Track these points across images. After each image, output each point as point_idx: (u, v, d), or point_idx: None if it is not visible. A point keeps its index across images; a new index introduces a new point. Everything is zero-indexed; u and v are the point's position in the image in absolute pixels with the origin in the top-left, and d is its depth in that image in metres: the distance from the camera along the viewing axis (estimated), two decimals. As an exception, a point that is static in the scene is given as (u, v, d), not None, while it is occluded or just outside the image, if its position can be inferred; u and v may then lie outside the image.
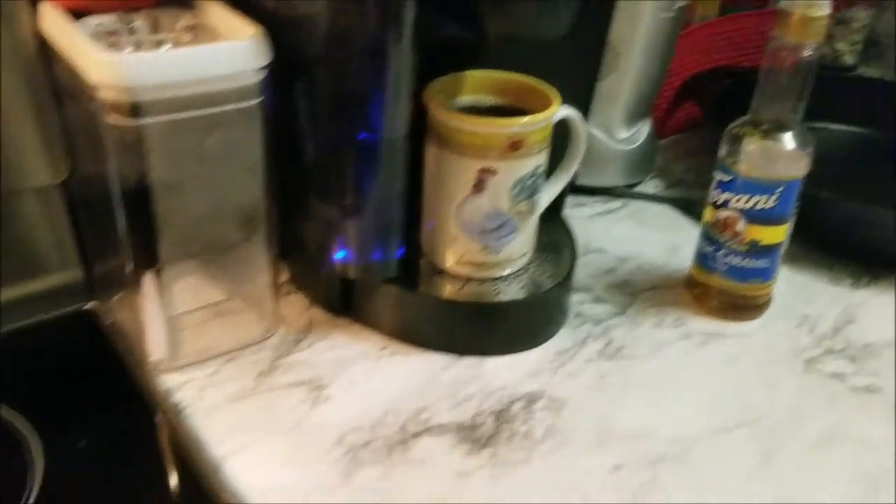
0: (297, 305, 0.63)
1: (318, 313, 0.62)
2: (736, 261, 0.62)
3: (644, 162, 0.82)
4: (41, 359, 0.59)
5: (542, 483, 0.50)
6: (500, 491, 0.49)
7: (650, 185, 0.83)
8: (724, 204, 0.61)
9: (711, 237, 0.63)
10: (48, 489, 0.47)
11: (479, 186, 0.55)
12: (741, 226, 0.61)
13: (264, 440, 0.52)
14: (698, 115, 0.90)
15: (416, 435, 0.52)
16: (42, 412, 0.52)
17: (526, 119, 0.54)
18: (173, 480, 0.53)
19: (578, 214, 0.75)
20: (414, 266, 0.61)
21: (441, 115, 0.55)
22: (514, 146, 0.54)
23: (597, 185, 0.79)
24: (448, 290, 0.59)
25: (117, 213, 0.51)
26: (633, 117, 0.79)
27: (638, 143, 0.80)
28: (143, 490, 0.51)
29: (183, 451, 0.52)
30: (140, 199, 0.50)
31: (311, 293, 0.63)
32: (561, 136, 0.59)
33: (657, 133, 0.83)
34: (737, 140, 0.60)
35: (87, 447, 0.52)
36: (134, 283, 0.55)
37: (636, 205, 0.80)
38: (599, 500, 0.49)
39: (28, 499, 0.47)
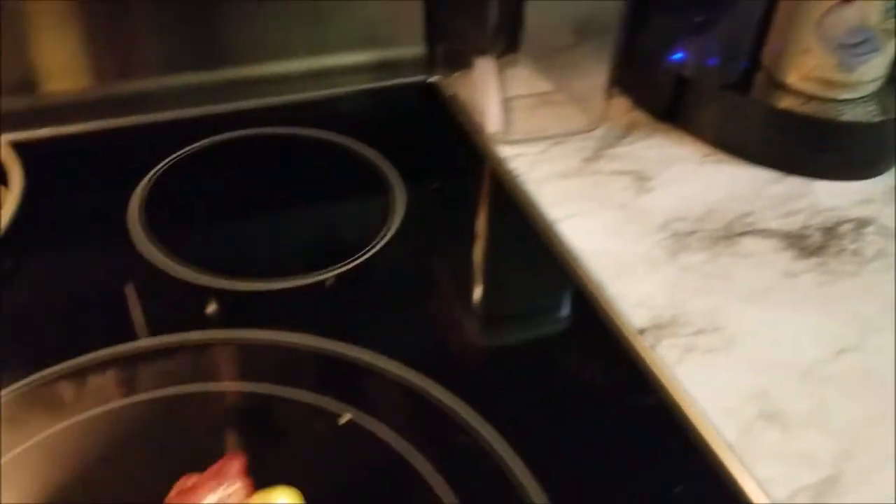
0: (620, 107, 0.65)
1: (640, 116, 0.64)
2: None
3: None
4: (394, 117, 0.65)
5: (871, 296, 0.49)
6: (827, 295, 0.49)
7: None
8: None
9: None
10: (406, 224, 0.53)
11: (851, -6, 0.53)
12: None
13: (592, 212, 0.54)
14: None
15: (742, 234, 0.53)
16: (401, 159, 0.58)
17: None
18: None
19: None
20: (751, 78, 0.60)
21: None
22: (903, -48, 0.51)
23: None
24: (788, 102, 0.57)
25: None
26: None
27: None
28: (471, 232, 0.55)
29: (514, 209, 0.56)
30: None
31: (637, 96, 0.64)
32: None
33: None
34: None
35: (437, 191, 0.57)
36: (481, 66, 0.59)
37: None
38: (931, 324, 0.48)
39: (389, 231, 0.52)
